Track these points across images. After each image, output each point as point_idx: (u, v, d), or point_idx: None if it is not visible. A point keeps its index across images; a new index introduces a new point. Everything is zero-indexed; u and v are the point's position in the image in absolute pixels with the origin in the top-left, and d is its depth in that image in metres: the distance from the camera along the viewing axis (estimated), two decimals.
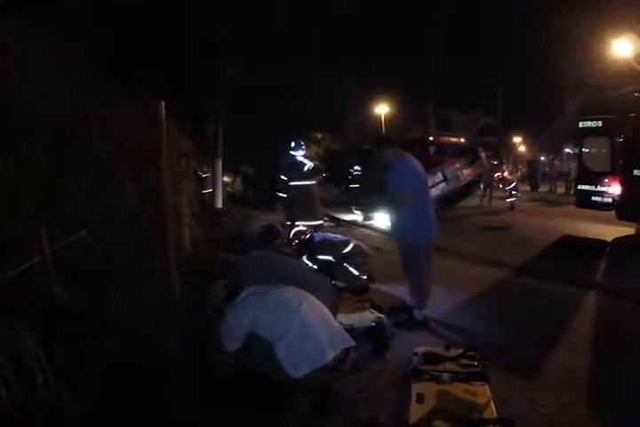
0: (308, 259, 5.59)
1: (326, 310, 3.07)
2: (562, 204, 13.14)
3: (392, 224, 4.72)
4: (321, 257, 5.46)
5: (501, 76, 21.04)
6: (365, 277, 5.39)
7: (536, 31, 17.00)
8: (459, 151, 12.59)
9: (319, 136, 31.97)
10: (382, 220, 11.32)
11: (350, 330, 3.89)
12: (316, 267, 5.44)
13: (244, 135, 19.80)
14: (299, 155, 7.24)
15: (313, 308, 2.93)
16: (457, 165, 11.97)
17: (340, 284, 5.20)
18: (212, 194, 14.43)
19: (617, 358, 3.76)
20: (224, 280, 3.50)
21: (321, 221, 7.13)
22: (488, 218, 10.99)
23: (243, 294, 3.03)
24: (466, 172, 12.01)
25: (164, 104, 4.04)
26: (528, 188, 18.80)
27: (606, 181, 8.18)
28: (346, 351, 2.85)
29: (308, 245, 5.65)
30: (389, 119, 27.61)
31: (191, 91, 13.83)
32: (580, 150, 8.95)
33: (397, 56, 21.29)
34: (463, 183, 12.00)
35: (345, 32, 20.62)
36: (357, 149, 20.61)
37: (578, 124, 8.87)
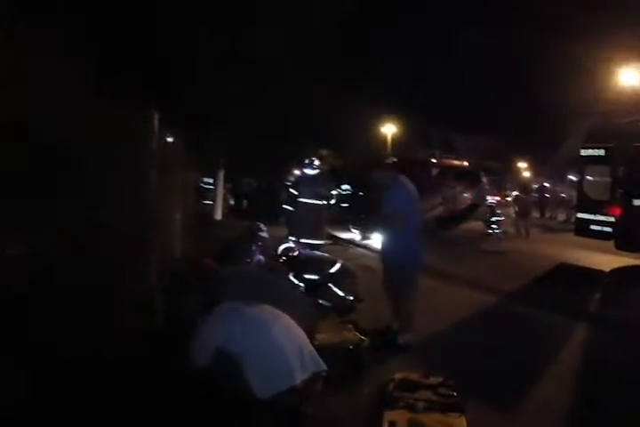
0: (294, 276, 5.53)
1: (300, 332, 2.99)
2: (562, 231, 13.03)
3: (382, 245, 4.68)
4: (306, 276, 5.42)
5: (506, 101, 21.15)
6: (351, 297, 5.31)
7: (542, 57, 17.12)
8: (460, 174, 12.60)
9: (324, 153, 32.18)
10: (379, 240, 11.28)
11: (328, 351, 3.93)
12: (302, 285, 5.44)
13: (247, 148, 19.96)
14: (312, 172, 7.10)
15: (286, 329, 2.87)
16: (457, 189, 11.96)
17: (325, 303, 5.17)
18: (213, 205, 14.43)
19: (601, 392, 3.66)
20: (199, 293, 3.45)
21: (323, 241, 7.03)
22: (487, 242, 10.90)
23: (216, 309, 2.96)
24: (466, 195, 11.99)
25: (157, 115, 4.08)
26: (538, 214, 18.71)
27: (606, 209, 8.12)
28: (316, 375, 2.78)
29: (295, 263, 5.61)
30: (396, 139, 27.75)
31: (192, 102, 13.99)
32: (581, 178, 8.91)
33: (403, 77, 21.52)
34: (463, 206, 11.97)
35: (351, 50, 20.90)
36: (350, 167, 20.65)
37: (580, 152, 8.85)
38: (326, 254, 5.85)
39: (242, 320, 2.82)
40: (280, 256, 5.77)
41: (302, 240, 6.63)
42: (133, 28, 9.95)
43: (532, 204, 13.53)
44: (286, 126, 21.20)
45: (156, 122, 4.02)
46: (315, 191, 6.86)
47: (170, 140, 6.11)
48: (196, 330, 2.92)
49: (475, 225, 12.22)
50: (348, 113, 24.62)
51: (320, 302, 5.21)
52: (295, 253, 5.67)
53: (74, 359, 2.74)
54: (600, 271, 8.15)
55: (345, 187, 15.91)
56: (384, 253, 4.68)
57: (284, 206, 7.07)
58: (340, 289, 5.29)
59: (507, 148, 22.89)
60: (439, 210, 11.73)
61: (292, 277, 5.53)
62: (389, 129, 27.66)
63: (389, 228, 4.46)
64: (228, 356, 2.66)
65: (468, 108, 20.62)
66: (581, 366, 4.23)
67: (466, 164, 14.09)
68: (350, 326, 4.59)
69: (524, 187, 13.54)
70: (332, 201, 7.17)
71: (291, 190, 7.03)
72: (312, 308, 4.02)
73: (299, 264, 5.57)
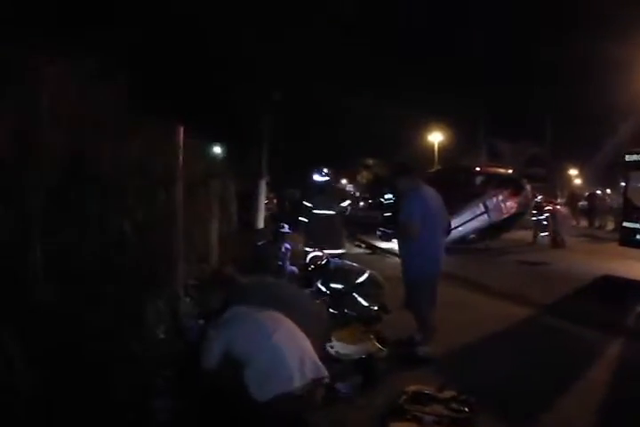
0: (321, 285, 5.60)
1: (304, 339, 3.03)
2: (609, 241, 12.36)
3: (399, 255, 4.66)
4: (332, 285, 5.47)
5: (550, 105, 20.41)
6: (376, 308, 5.30)
7: (587, 59, 16.46)
8: (503, 182, 12.24)
9: (370, 162, 32.21)
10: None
11: (344, 360, 4.00)
12: (328, 293, 5.49)
13: (293, 159, 20.27)
14: (322, 179, 6.99)
15: (288, 334, 2.91)
16: (500, 197, 11.62)
17: (349, 313, 5.19)
18: (255, 215, 14.68)
19: (627, 415, 3.45)
20: (189, 297, 3.53)
21: (343, 250, 6.99)
22: (528, 252, 10.56)
23: (226, 315, 3.07)
24: (509, 204, 11.64)
25: (182, 129, 4.26)
26: (587, 223, 17.91)
27: None
28: (317, 382, 2.81)
29: (323, 272, 5.67)
30: (443, 147, 27.37)
31: (237, 114, 14.35)
32: (626, 185, 8.47)
33: (450, 85, 21.26)
34: (506, 215, 11.62)
35: (397, 59, 20.89)
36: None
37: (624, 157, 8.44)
38: (355, 264, 5.86)
39: (245, 324, 2.91)
40: (309, 265, 5.85)
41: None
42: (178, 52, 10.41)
43: (574, 212, 12.94)
44: (333, 136, 21.46)
45: (181, 136, 4.20)
46: (327, 201, 6.77)
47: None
48: (206, 334, 3.03)
49: (519, 235, 11.86)
50: (395, 121, 24.63)
51: (345, 311, 5.28)
52: (323, 262, 5.73)
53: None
54: None
55: (387, 196, 15.84)
56: (401, 262, 4.65)
57: (300, 218, 6.92)
58: (366, 299, 5.29)
59: (553, 154, 22.01)
60: (482, 219, 11.44)
61: (319, 285, 5.64)
62: (436, 137, 27.35)
63: (401, 236, 4.43)
64: (232, 359, 2.75)
65: (513, 114, 20.12)
66: (610, 385, 4.00)
67: (510, 171, 13.65)
68: (372, 335, 4.59)
69: (571, 195, 13.01)
70: (348, 209, 7.04)
71: (305, 202, 6.87)
72: (326, 321, 4.03)
73: (326, 273, 5.63)
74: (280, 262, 6.78)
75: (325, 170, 6.96)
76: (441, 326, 5.27)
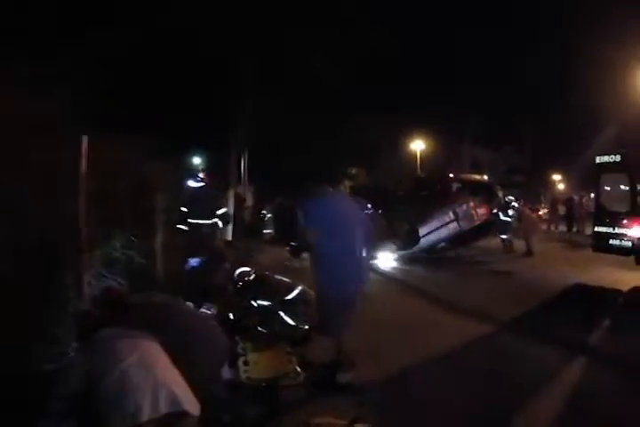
0: (252, 301, 5.03)
1: (164, 370, 2.55)
2: (586, 247, 11.80)
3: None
4: (259, 301, 4.89)
5: (531, 113, 20.07)
6: (307, 327, 4.68)
7: (570, 60, 16.12)
8: (475, 189, 11.69)
9: (353, 171, 31.68)
10: (387, 260, 10.60)
11: (249, 387, 3.59)
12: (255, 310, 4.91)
13: (274, 168, 19.76)
14: (196, 185, 6.29)
15: (143, 363, 2.50)
16: (471, 204, 11.04)
17: (278, 332, 4.59)
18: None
19: None
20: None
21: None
22: (498, 261, 9.96)
23: (95, 337, 2.69)
24: (480, 211, 11.05)
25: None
26: (565, 228, 17.34)
27: (625, 222, 7.09)
28: (174, 417, 2.39)
29: (252, 288, 5.10)
30: (426, 156, 27.00)
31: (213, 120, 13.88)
32: (597, 188, 7.91)
33: (436, 94, 20.97)
34: (478, 223, 11.02)
35: (379, 69, 20.54)
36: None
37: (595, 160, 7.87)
38: (285, 279, 5.24)
39: (104, 349, 2.57)
40: (237, 281, 5.27)
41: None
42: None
43: (555, 218, 12.35)
44: (314, 145, 21.05)
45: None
46: (202, 209, 6.08)
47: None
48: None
49: (491, 243, 11.25)
50: (378, 130, 24.26)
51: (274, 330, 4.71)
52: (251, 278, 5.17)
53: None
54: (617, 291, 7.06)
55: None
56: (313, 280, 4.05)
57: (178, 226, 6.08)
58: (294, 318, 4.68)
59: (535, 160, 21.55)
60: (452, 227, 10.85)
61: (251, 302, 5.06)
62: (418, 145, 27.02)
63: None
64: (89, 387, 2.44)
65: (494, 122, 19.77)
66: (561, 414, 3.39)
67: (485, 178, 13.10)
68: (294, 358, 4.07)
69: (553, 200, 12.49)
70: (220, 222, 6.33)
71: (180, 208, 6.08)
72: (222, 346, 3.44)
73: (254, 289, 5.08)
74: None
75: (201, 175, 6.27)
76: (388, 347, 4.81)
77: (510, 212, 10.83)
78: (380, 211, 14.67)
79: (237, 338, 4.62)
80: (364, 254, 3.92)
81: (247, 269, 5.30)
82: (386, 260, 10.69)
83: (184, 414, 2.44)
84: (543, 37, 17.35)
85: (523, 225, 11.03)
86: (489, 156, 22.36)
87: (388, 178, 24.76)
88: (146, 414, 2.30)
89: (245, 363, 4.09)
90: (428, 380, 4.04)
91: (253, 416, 3.26)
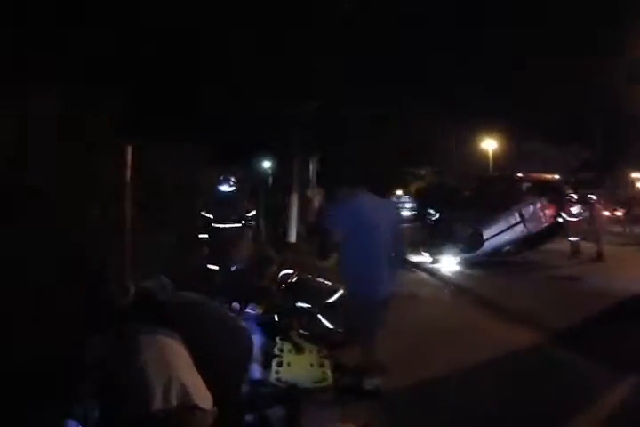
0: (293, 303, 5.15)
1: (181, 366, 2.69)
2: None
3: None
4: (299, 304, 5.02)
5: (600, 105, 18.49)
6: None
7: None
8: (543, 189, 11.07)
9: (423, 172, 31.10)
10: (449, 263, 10.36)
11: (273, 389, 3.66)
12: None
13: (339, 170, 19.86)
14: (228, 190, 6.03)
15: (162, 358, 2.66)
16: (538, 205, 10.47)
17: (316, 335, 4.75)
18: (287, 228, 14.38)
19: None
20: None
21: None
22: (566, 266, 9.36)
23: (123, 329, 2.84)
24: (548, 212, 10.44)
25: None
26: None
27: None
28: (185, 409, 2.51)
29: (293, 290, 5.24)
30: (496, 155, 25.95)
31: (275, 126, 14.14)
32: None
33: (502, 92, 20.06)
34: (545, 225, 10.42)
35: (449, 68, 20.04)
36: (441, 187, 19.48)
37: None
38: (327, 282, 5.29)
39: (123, 344, 2.71)
40: (280, 283, 5.42)
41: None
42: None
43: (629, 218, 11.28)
44: (380, 147, 20.95)
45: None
46: (229, 213, 5.89)
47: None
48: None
49: (561, 246, 10.58)
50: (447, 130, 23.68)
51: (305, 332, 4.82)
52: (294, 280, 5.29)
53: None
54: None
55: (431, 211, 15.21)
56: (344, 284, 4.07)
57: (200, 235, 5.87)
58: (332, 321, 4.75)
59: (609, 157, 19.83)
60: (518, 230, 10.36)
61: (295, 304, 5.18)
62: (490, 144, 26.04)
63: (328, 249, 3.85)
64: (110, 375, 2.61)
65: (564, 119, 18.53)
66: None
67: (556, 177, 12.34)
68: (328, 361, 4.18)
69: (629, 199, 11.51)
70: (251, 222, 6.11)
71: (202, 213, 5.91)
72: (245, 348, 3.56)
73: (296, 291, 5.20)
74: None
75: (233, 178, 6.04)
76: (426, 351, 4.74)
77: (575, 211, 10.07)
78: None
79: (278, 339, 4.78)
80: (394, 257, 3.88)
81: (290, 271, 5.43)
82: (448, 263, 10.44)
83: (195, 408, 2.54)
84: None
85: (594, 227, 10.24)
86: (560, 153, 21.01)
87: (458, 178, 24.09)
88: (157, 404, 2.44)
89: (279, 364, 4.20)
90: (460, 388, 3.92)
91: (276, 418, 3.30)
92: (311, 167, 17.87)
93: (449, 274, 9.59)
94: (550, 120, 19.02)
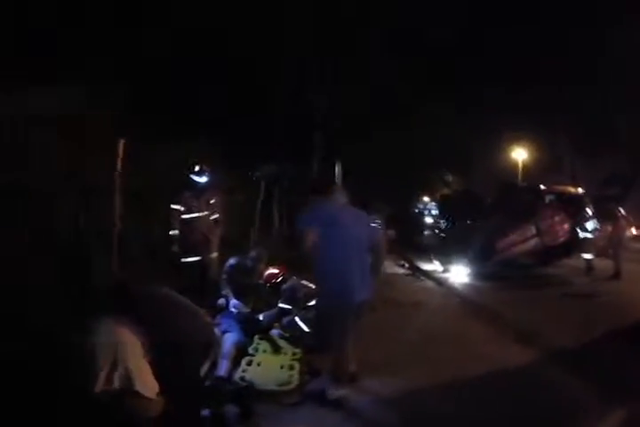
0: (276, 303, 5.05)
1: (131, 354, 2.75)
2: None
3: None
4: (281, 305, 4.91)
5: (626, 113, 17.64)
6: None
7: None
8: (565, 202, 10.59)
9: (450, 178, 30.48)
10: (459, 273, 10.02)
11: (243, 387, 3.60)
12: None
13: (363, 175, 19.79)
14: (201, 180, 5.79)
15: (112, 341, 2.78)
16: (556, 218, 10.01)
17: (284, 334, 4.73)
18: None
19: None
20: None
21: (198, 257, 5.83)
22: (583, 283, 8.90)
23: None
24: (567, 226, 9.97)
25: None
26: None
27: None
28: (126, 392, 2.62)
29: (278, 290, 5.13)
30: (527, 165, 25.29)
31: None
32: None
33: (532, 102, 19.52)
34: (562, 240, 9.95)
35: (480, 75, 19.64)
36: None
37: None
38: (312, 285, 5.12)
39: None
40: (266, 282, 5.30)
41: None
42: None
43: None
44: (412, 152, 20.74)
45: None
46: (201, 203, 5.69)
47: None
48: None
49: (578, 262, 10.06)
50: (477, 138, 23.20)
51: (286, 334, 4.73)
52: (278, 280, 5.17)
53: None
54: None
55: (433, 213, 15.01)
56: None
57: (171, 233, 5.59)
58: (309, 324, 4.59)
59: (633, 169, 18.90)
60: (533, 243, 9.93)
61: (279, 305, 5.08)
62: (520, 154, 25.42)
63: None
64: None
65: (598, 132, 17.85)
66: None
67: (580, 191, 11.80)
68: (299, 365, 4.11)
69: None
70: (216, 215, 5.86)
71: (172, 206, 5.59)
72: (204, 344, 3.45)
73: (279, 292, 5.12)
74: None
75: (205, 168, 5.72)
76: (415, 362, 4.53)
77: (590, 227, 9.55)
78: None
79: (256, 338, 4.66)
80: (370, 265, 3.68)
81: (276, 271, 5.29)
82: (458, 273, 10.11)
83: (136, 394, 2.62)
84: None
85: (614, 243, 9.72)
86: (587, 163, 20.26)
87: (484, 186, 23.53)
88: (100, 384, 2.55)
89: (249, 363, 4.12)
90: (439, 402, 3.71)
91: (232, 416, 3.25)
92: (337, 169, 17.79)
93: (457, 284, 9.26)
94: (581, 131, 18.41)
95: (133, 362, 2.72)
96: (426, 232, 18.89)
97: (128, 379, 2.68)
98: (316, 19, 12.16)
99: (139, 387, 2.66)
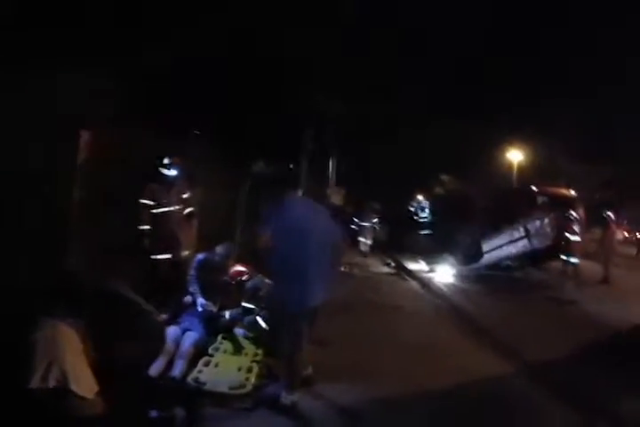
0: (240, 302, 4.83)
1: (66, 351, 2.78)
2: None
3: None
4: (243, 303, 4.71)
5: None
6: None
7: None
8: (557, 204, 10.38)
9: (445, 178, 30.28)
10: (445, 274, 9.84)
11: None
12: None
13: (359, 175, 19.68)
14: (171, 174, 5.46)
15: (53, 341, 2.80)
16: (546, 220, 9.81)
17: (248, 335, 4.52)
18: None
19: None
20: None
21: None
22: (567, 287, 8.72)
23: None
24: (556, 229, 9.74)
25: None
26: None
27: None
28: (62, 391, 2.64)
29: (243, 288, 4.92)
30: (523, 168, 25.12)
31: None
32: None
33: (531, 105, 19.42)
34: (551, 242, 9.74)
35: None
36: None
37: None
38: None
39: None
40: (231, 280, 5.08)
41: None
42: None
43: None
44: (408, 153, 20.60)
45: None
46: (172, 195, 5.41)
47: None
48: None
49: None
50: (473, 138, 23.05)
51: (250, 334, 4.52)
52: (243, 278, 4.96)
53: None
54: None
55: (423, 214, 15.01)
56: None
57: (141, 228, 5.24)
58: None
59: (628, 174, 18.69)
60: (521, 245, 9.74)
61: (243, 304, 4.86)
62: (515, 156, 25.25)
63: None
64: None
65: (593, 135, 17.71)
66: None
67: (573, 193, 11.61)
68: (257, 368, 3.92)
69: None
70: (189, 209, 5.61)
71: (142, 202, 5.24)
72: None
73: (244, 290, 4.91)
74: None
75: (175, 161, 5.40)
76: (385, 368, 4.36)
77: (577, 229, 9.33)
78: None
79: (220, 337, 4.45)
80: (328, 267, 3.46)
81: (242, 268, 5.07)
82: (443, 274, 9.93)
83: (70, 393, 2.65)
84: None
85: (604, 248, 9.53)
86: (583, 168, 20.13)
87: (478, 187, 23.35)
88: (36, 382, 2.60)
89: (206, 364, 3.94)
90: (406, 411, 3.55)
91: (181, 418, 3.14)
92: (330, 166, 17.64)
93: (441, 286, 9.04)
94: (577, 136, 18.26)
95: (71, 361, 2.73)
96: (415, 231, 18.75)
97: (64, 378, 2.68)
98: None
99: (74, 386, 2.66)
